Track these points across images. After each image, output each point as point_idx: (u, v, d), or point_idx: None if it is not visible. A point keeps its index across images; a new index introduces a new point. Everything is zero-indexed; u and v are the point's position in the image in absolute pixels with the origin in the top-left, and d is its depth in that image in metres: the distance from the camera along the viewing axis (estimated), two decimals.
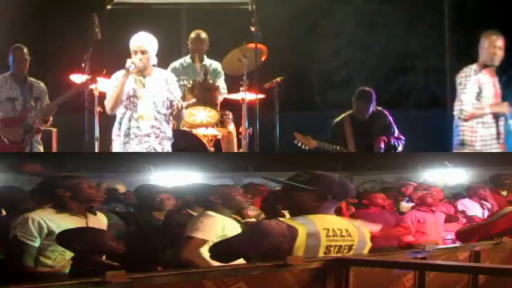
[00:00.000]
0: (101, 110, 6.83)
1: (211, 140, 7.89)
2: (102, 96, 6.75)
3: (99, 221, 4.62)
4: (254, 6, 7.99)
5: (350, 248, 3.35)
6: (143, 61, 6.40)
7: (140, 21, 8.88)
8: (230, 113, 8.19)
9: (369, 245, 3.49)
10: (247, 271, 2.91)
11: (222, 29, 9.12)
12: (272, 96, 8.02)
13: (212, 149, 7.90)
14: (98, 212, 4.72)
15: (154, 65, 6.58)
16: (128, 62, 6.36)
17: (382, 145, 7.88)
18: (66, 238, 4.00)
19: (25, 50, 7.51)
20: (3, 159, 10.20)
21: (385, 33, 13.97)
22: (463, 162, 12.28)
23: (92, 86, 7.02)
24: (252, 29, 7.73)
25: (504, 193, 8.10)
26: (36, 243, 4.23)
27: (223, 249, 3.42)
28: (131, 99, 6.46)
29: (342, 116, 8.17)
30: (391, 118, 8.16)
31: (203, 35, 8.38)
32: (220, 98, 8.01)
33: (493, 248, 4.08)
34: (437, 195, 7.51)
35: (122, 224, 5.99)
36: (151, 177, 11.42)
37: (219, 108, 7.86)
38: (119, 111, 6.50)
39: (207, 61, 8.39)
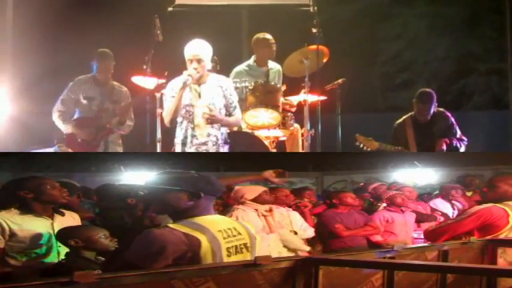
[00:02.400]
0: (162, 112, 6.67)
1: (273, 142, 7.78)
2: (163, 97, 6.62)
3: (69, 221, 4.44)
4: (315, 8, 7.81)
5: (246, 246, 3.25)
6: (199, 70, 6.22)
7: (201, 24, 8.78)
8: (292, 115, 7.99)
9: (259, 239, 3.40)
10: (216, 271, 2.86)
11: (283, 31, 8.93)
12: (334, 98, 7.88)
13: (274, 150, 7.77)
14: (69, 212, 4.56)
15: (208, 70, 6.40)
16: (185, 76, 6.20)
17: (444, 147, 7.75)
18: (63, 235, 3.99)
19: (111, 55, 7.50)
20: None
21: (447, 35, 13.77)
22: (432, 162, 12.05)
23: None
24: (314, 30, 7.61)
25: (469, 194, 8.22)
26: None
27: (118, 261, 3.25)
28: (187, 108, 6.32)
29: (404, 117, 8.04)
30: (452, 119, 7.98)
31: (270, 38, 8.13)
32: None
33: (461, 248, 4.06)
34: (410, 195, 7.43)
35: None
36: (122, 177, 11.20)
37: (280, 110, 7.63)
38: (178, 120, 6.38)
39: (270, 64, 8.21)
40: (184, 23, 9.10)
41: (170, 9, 9.18)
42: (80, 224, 4.59)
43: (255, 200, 5.94)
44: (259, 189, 6.02)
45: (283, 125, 7.80)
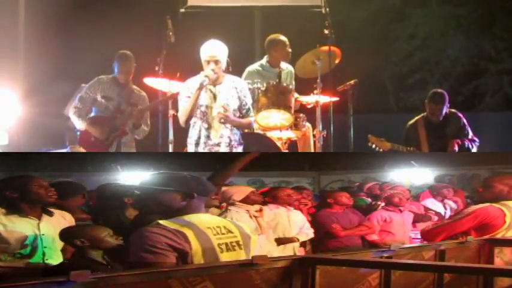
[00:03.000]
0: (175, 113, 6.66)
1: (285, 143, 7.72)
2: (176, 99, 6.60)
3: (59, 221, 4.39)
4: (327, 9, 7.78)
5: (238, 244, 3.23)
6: (216, 71, 6.18)
7: (213, 25, 8.75)
8: (304, 116, 7.95)
9: (254, 238, 3.38)
10: (213, 270, 2.85)
11: (295, 32, 8.88)
12: (346, 99, 7.82)
13: (286, 151, 7.73)
14: (60, 212, 4.51)
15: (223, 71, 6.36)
16: (202, 77, 6.15)
17: (456, 147, 7.73)
18: (68, 234, 3.95)
19: (133, 58, 7.48)
20: None
21: (459, 36, 13.71)
22: (429, 162, 11.94)
23: (166, 89, 6.88)
24: (326, 31, 7.54)
25: None
26: None
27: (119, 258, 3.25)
28: (201, 108, 6.28)
29: (416, 118, 8.03)
30: (464, 120, 7.96)
31: (285, 40, 8.07)
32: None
33: (457, 247, 4.07)
34: (404, 195, 7.33)
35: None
36: (119, 177, 11.14)
37: (293, 111, 7.59)
38: (191, 121, 6.35)
39: (282, 64, 8.14)
40: (196, 24, 9.09)
41: (182, 10, 9.18)
42: (72, 224, 4.52)
43: (243, 201, 5.94)
44: (246, 190, 6.03)
45: (295, 126, 7.75)
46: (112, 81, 7.48)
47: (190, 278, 2.73)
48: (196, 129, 6.31)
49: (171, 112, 6.83)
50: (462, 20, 13.64)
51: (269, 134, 7.55)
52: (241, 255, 3.19)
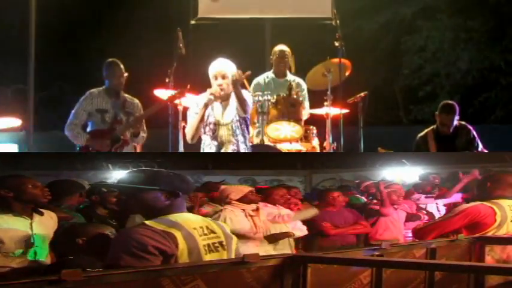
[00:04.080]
0: (185, 125, 6.60)
1: None
2: (186, 111, 6.55)
3: (47, 220, 4.34)
4: (338, 21, 7.70)
5: (221, 244, 3.18)
6: (223, 87, 6.13)
7: (224, 36, 8.72)
8: (314, 128, 7.90)
9: (235, 239, 3.34)
10: (204, 269, 2.82)
11: (306, 44, 8.87)
12: (356, 111, 7.72)
13: None
14: (47, 211, 4.42)
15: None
16: (207, 95, 6.13)
17: None
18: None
19: (121, 65, 7.35)
20: None
21: (470, 49, 13.68)
22: (420, 161, 11.81)
23: (176, 101, 6.81)
24: (336, 44, 7.47)
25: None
26: None
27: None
28: (210, 125, 6.25)
29: (426, 130, 7.95)
30: (474, 132, 7.87)
31: (286, 49, 8.05)
32: (304, 114, 7.70)
33: (448, 245, 4.03)
34: (400, 193, 7.34)
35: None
36: (109, 175, 11.08)
37: (303, 123, 7.53)
38: (202, 137, 6.33)
39: (290, 77, 8.12)
40: (207, 36, 9.08)
41: (193, 22, 9.15)
42: (56, 223, 4.46)
43: (241, 200, 5.86)
44: (244, 189, 5.97)
45: (305, 138, 7.70)
46: (104, 93, 7.35)
47: (181, 277, 2.70)
48: (206, 145, 6.29)
49: (181, 124, 6.75)
50: (473, 33, 13.63)
51: (279, 146, 7.50)
52: (223, 256, 3.14)
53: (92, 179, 9.55)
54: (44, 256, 4.20)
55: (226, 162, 11.24)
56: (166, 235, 2.92)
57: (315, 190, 9.89)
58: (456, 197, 7.64)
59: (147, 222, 2.99)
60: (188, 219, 3.13)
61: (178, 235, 2.95)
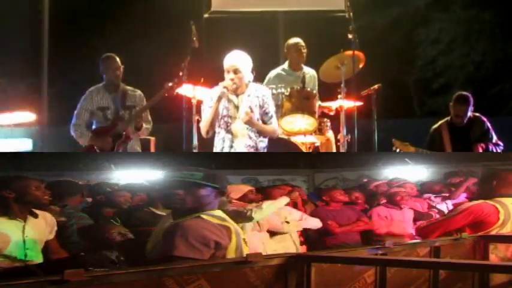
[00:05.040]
0: (199, 119, 6.56)
1: (309, 148, 7.66)
2: (200, 104, 6.51)
3: (41, 223, 4.30)
4: (351, 14, 7.65)
5: (245, 241, 3.29)
6: (235, 81, 6.07)
7: (237, 30, 8.69)
8: (328, 121, 7.88)
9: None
10: (207, 268, 2.84)
11: (319, 36, 8.83)
12: (370, 104, 7.72)
13: None
14: (41, 213, 4.37)
15: (249, 81, 6.25)
16: (220, 88, 6.08)
17: (480, 151, 7.63)
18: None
19: (116, 58, 7.30)
20: None
21: (483, 40, 13.59)
22: (423, 160, 11.72)
23: (190, 95, 6.78)
24: (350, 36, 7.43)
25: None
26: None
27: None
28: (225, 119, 6.19)
29: (440, 122, 7.90)
30: (489, 124, 7.83)
31: (300, 42, 8.01)
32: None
33: (452, 244, 4.08)
34: (411, 192, 7.39)
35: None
36: (112, 176, 11.05)
37: (317, 115, 7.50)
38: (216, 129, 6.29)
39: (305, 69, 8.07)
40: (220, 30, 9.06)
41: (206, 15, 9.14)
42: (54, 225, 4.43)
43: (241, 199, 5.91)
44: (244, 189, 6.06)
45: (319, 131, 7.69)
46: (103, 89, 7.32)
47: (185, 276, 2.72)
48: (220, 139, 6.23)
49: (195, 118, 6.74)
50: (486, 24, 13.54)
51: (293, 139, 7.47)
52: (247, 252, 3.19)
53: (94, 179, 9.52)
54: (35, 258, 4.17)
55: (229, 161, 11.24)
56: (223, 228, 3.04)
57: (318, 189, 9.86)
58: (461, 197, 7.62)
59: (203, 216, 3.09)
60: (224, 215, 3.24)
61: (232, 228, 3.09)
